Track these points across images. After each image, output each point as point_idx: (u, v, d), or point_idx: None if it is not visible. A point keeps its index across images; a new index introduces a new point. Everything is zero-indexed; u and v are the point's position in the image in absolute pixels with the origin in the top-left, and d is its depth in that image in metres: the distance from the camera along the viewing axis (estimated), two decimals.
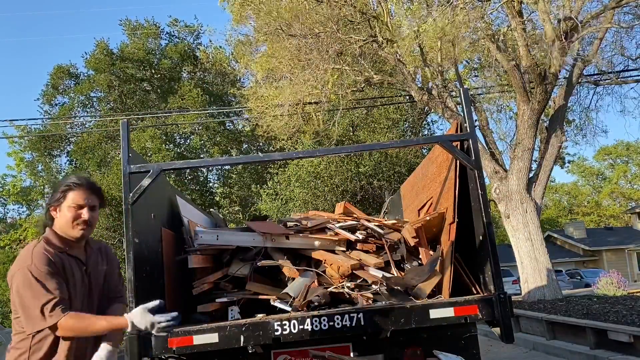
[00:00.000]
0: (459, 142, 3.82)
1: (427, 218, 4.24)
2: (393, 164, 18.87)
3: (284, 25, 11.77)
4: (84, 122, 27.40)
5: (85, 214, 2.26)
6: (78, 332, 2.13)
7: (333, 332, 3.21)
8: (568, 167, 33.67)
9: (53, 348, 2.20)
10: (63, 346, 2.20)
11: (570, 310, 8.74)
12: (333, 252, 4.21)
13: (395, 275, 3.98)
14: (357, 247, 4.26)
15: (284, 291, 3.77)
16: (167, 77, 27.01)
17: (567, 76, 11.88)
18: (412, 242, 4.20)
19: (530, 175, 11.29)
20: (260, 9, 12.03)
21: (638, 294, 11.24)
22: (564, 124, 12.54)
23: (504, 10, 10.92)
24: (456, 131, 4.02)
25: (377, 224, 4.58)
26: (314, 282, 3.92)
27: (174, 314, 2.14)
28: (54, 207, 2.29)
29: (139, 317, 2.14)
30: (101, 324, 2.15)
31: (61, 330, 2.10)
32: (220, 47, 25.20)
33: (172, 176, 23.16)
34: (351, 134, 19.67)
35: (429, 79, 12.00)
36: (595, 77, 13.33)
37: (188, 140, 27.41)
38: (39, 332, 2.14)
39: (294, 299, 3.66)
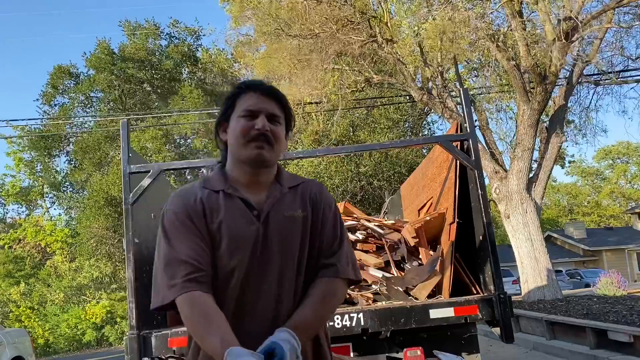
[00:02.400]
0: (459, 142, 3.82)
1: (427, 218, 4.24)
2: (393, 164, 18.86)
3: (283, 26, 11.78)
4: (84, 122, 27.42)
5: (260, 122, 1.47)
6: (187, 327, 1.39)
7: (333, 332, 3.21)
8: (568, 168, 33.65)
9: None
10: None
11: (570, 310, 8.74)
12: None
13: (395, 275, 3.98)
14: (357, 247, 4.26)
15: None
16: (168, 78, 27.03)
17: (567, 76, 11.88)
18: (412, 242, 4.20)
19: (530, 175, 11.29)
20: (259, 10, 12.05)
21: (638, 294, 11.23)
22: (564, 124, 12.55)
23: (504, 10, 10.92)
24: (456, 131, 4.03)
25: (377, 224, 4.58)
26: None
27: None
28: (223, 127, 1.56)
29: None
30: (211, 340, 1.31)
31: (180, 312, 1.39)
32: (222, 49, 25.26)
33: (172, 176, 23.17)
34: (351, 134, 19.66)
35: (429, 79, 12.01)
36: (595, 77, 13.33)
37: (189, 141, 27.43)
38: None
39: None
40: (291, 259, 1.47)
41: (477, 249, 3.71)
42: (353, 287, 3.84)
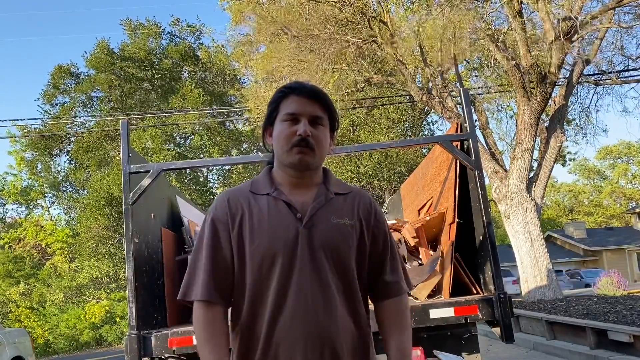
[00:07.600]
0: (459, 142, 3.82)
1: (427, 218, 4.24)
2: (393, 164, 18.88)
3: (282, 27, 11.78)
4: (85, 122, 27.43)
5: (301, 127, 1.45)
6: (194, 330, 1.45)
7: None
8: (569, 165, 33.61)
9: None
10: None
11: (570, 310, 8.74)
12: None
13: None
14: None
15: None
16: (168, 77, 27.04)
17: (567, 76, 11.88)
18: (412, 242, 4.19)
19: (531, 175, 11.29)
20: (257, 11, 12.05)
21: (638, 294, 11.24)
22: (564, 123, 12.55)
23: (504, 11, 10.92)
24: (456, 131, 4.02)
25: None
26: None
27: None
28: (269, 131, 1.55)
29: None
30: (207, 356, 1.39)
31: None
32: (222, 46, 25.24)
33: (172, 176, 23.17)
34: (351, 134, 19.67)
35: (429, 79, 12.01)
36: (595, 77, 13.34)
37: (189, 140, 27.42)
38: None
39: None
40: (340, 267, 1.45)
41: (477, 249, 3.70)
42: None
